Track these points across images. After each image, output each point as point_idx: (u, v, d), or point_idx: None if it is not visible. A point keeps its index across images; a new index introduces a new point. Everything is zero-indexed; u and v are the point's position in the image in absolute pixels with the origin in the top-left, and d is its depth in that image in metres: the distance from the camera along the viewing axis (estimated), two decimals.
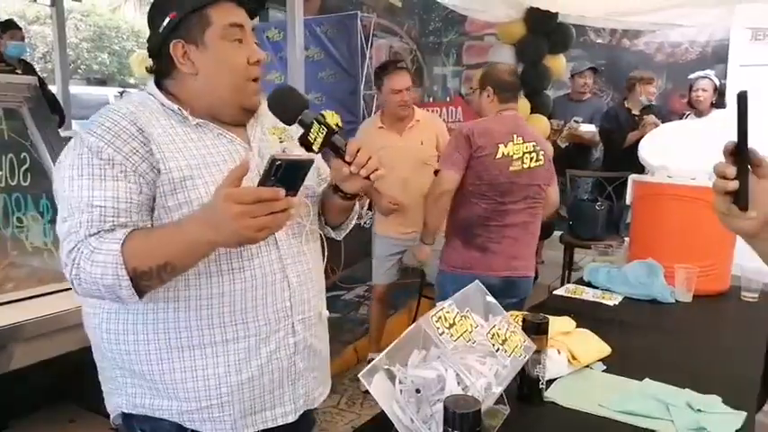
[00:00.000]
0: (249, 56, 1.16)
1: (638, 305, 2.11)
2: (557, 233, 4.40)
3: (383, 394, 1.03)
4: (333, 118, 1.07)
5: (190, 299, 1.13)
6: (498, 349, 1.13)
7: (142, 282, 1.00)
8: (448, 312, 1.10)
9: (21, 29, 4.92)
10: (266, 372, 1.19)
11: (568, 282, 3.09)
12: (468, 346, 1.09)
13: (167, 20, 1.14)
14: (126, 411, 1.20)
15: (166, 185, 1.09)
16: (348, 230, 1.45)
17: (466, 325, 1.11)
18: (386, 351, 1.04)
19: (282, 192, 0.93)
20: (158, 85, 1.20)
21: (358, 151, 1.12)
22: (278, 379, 1.21)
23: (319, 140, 1.12)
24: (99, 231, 1.02)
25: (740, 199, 0.89)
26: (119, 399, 1.21)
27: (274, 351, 1.20)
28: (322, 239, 1.37)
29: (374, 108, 4.90)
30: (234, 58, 1.15)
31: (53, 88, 5.92)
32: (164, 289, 1.10)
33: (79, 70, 15.53)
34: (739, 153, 0.88)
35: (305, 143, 1.13)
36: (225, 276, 1.13)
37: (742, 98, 0.85)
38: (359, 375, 1.03)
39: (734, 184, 0.89)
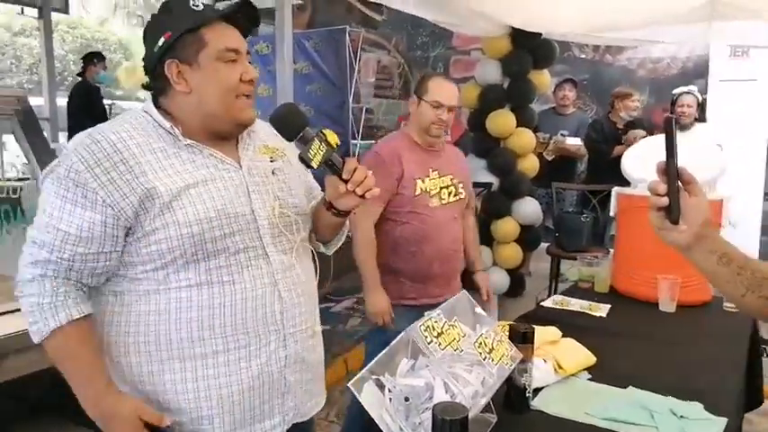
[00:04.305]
0: (243, 74, 1.19)
1: (624, 316, 2.14)
2: (543, 245, 4.45)
3: (373, 403, 1.05)
4: (332, 137, 1.09)
5: (180, 310, 1.14)
6: (485, 358, 1.15)
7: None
8: (436, 322, 1.12)
9: (105, 58, 5.96)
10: (256, 385, 1.20)
11: (555, 293, 3.13)
12: (455, 355, 1.11)
13: (162, 39, 1.16)
14: None
15: (153, 209, 1.11)
16: (339, 245, 1.46)
17: (453, 334, 1.13)
18: (374, 360, 1.06)
19: None
20: (155, 101, 1.22)
21: (355, 170, 1.15)
22: (268, 392, 1.22)
23: (318, 157, 1.15)
24: (68, 265, 1.11)
25: (671, 213, 0.97)
26: None
27: (265, 363, 1.20)
28: (313, 255, 1.39)
29: (362, 121, 4.95)
30: (227, 77, 1.18)
31: (39, 100, 5.90)
32: (154, 301, 1.14)
33: (66, 82, 15.47)
34: (668, 171, 0.96)
35: (304, 160, 1.15)
36: (215, 288, 1.15)
37: (668, 122, 0.95)
38: (348, 384, 1.04)
39: (664, 200, 0.97)
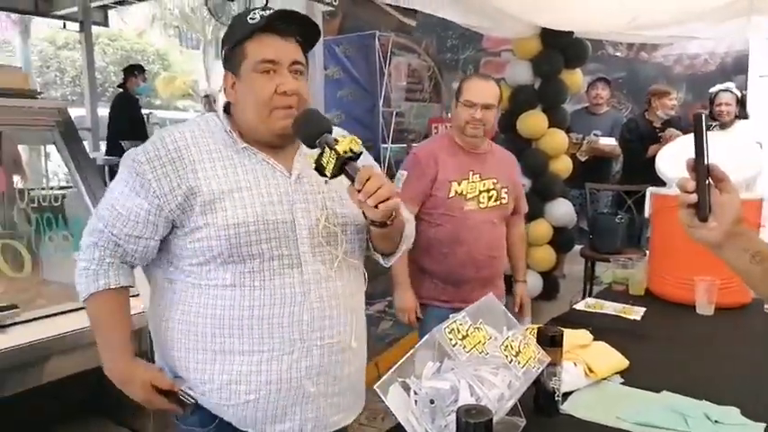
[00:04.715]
0: (278, 85, 1.20)
1: (660, 319, 2.09)
2: (578, 247, 4.39)
3: (399, 405, 1.06)
4: (348, 144, 1.04)
5: (215, 307, 1.22)
6: (512, 361, 1.15)
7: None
8: (461, 324, 1.12)
9: (145, 70, 6.29)
10: (273, 389, 1.23)
11: (590, 296, 3.08)
12: (481, 358, 1.11)
13: (222, 53, 1.28)
14: None
15: (195, 206, 1.19)
16: (398, 257, 1.42)
17: (479, 337, 1.13)
18: (400, 363, 1.07)
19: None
20: (228, 108, 1.31)
21: (369, 179, 1.11)
22: (284, 398, 1.24)
23: (330, 166, 1.12)
24: (115, 240, 1.23)
25: (700, 211, 0.96)
26: None
27: (285, 370, 1.22)
28: (364, 271, 1.38)
29: (393, 125, 4.96)
30: (261, 90, 1.20)
31: (81, 110, 6.11)
32: (197, 294, 1.24)
33: (107, 93, 15.99)
34: (697, 168, 0.95)
35: (318, 168, 1.13)
36: (246, 290, 1.20)
37: (698, 119, 0.94)
38: (375, 387, 1.06)
39: (692, 197, 0.96)
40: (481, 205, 2.27)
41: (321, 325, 1.24)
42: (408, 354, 1.09)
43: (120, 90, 5.99)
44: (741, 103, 4.29)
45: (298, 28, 1.25)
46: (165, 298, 1.29)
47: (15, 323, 1.81)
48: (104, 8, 6.08)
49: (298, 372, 1.23)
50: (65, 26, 5.90)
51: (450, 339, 1.08)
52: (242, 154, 1.24)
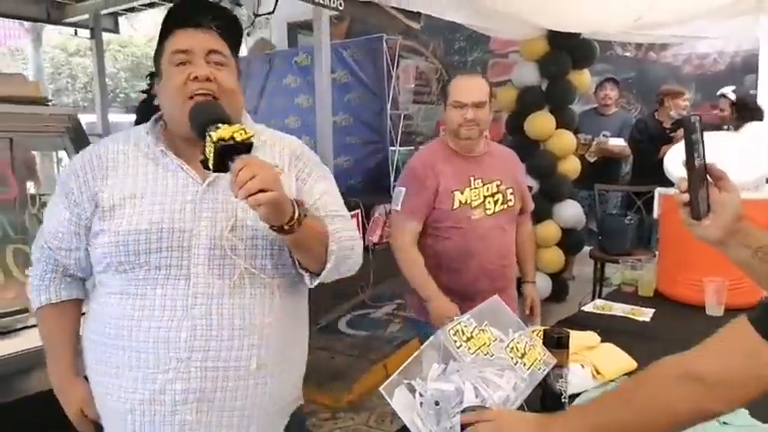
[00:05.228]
0: (190, 73, 1.14)
1: (669, 320, 2.08)
2: (586, 248, 4.37)
3: (404, 407, 1.06)
4: (228, 131, 1.00)
5: (105, 315, 1.17)
6: (517, 363, 1.15)
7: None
8: (466, 326, 1.13)
9: None
10: (147, 410, 1.12)
11: (599, 297, 3.06)
12: (486, 360, 1.12)
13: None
14: None
15: (98, 213, 1.17)
16: (325, 275, 1.18)
17: (484, 338, 1.14)
18: (405, 365, 1.07)
19: None
20: None
21: (243, 169, 0.98)
22: (160, 423, 1.12)
23: (211, 157, 1.01)
24: (54, 254, 1.25)
25: (693, 209, 0.98)
26: None
27: (158, 391, 1.11)
28: (274, 287, 1.21)
29: (400, 128, 4.98)
30: (173, 79, 1.15)
31: (92, 116, 6.17)
32: (96, 302, 1.22)
33: (118, 99, 16.12)
34: (688, 168, 0.97)
35: (204, 161, 1.03)
36: (130, 300, 1.14)
37: (687, 121, 0.96)
38: (380, 389, 1.06)
39: (685, 197, 0.98)
40: (488, 211, 2.15)
41: (205, 346, 1.11)
42: (413, 356, 1.09)
43: (145, 95, 6.00)
44: (739, 106, 4.29)
45: (216, 21, 1.19)
46: (87, 308, 1.27)
47: (26, 327, 1.83)
48: (115, 15, 6.13)
49: (172, 395, 1.11)
50: (76, 33, 5.96)
51: (455, 341, 1.08)
52: (157, 160, 1.19)
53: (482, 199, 2.14)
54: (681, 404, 0.79)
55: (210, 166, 1.01)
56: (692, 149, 0.95)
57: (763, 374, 0.74)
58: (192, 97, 1.12)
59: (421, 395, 1.07)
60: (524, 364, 1.16)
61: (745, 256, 0.99)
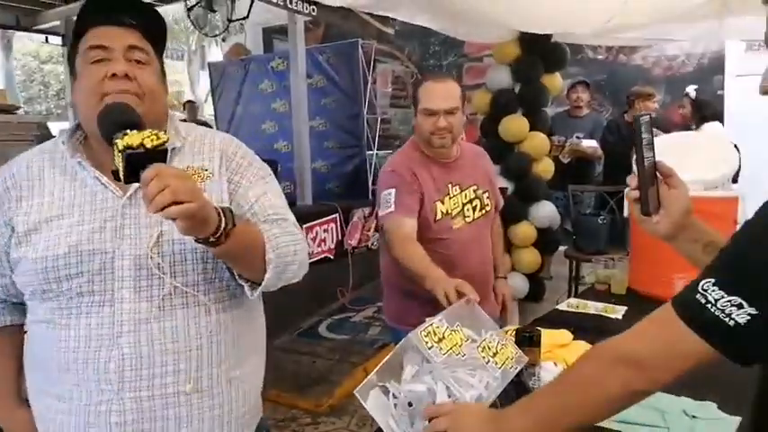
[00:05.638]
0: (107, 71, 1.04)
1: (641, 317, 2.10)
2: (562, 248, 4.43)
3: (379, 409, 1.07)
4: (137, 138, 0.89)
5: (33, 344, 1.12)
6: (488, 362, 1.17)
7: None
8: (438, 327, 1.14)
9: None
10: None
11: (575, 296, 3.11)
12: (458, 360, 1.13)
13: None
14: None
15: (14, 239, 1.08)
16: (265, 285, 1.09)
17: (456, 339, 1.15)
18: (378, 367, 1.08)
19: None
20: None
21: (153, 180, 0.88)
22: None
23: (121, 166, 0.90)
24: None
25: (642, 206, 1.01)
26: None
27: (93, 423, 1.05)
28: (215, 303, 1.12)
29: (378, 132, 5.00)
30: (89, 77, 1.05)
31: (66, 124, 6.08)
32: (30, 331, 1.14)
33: None
34: (637, 165, 0.99)
35: (114, 171, 0.93)
36: (56, 330, 1.06)
37: (636, 120, 0.99)
38: (355, 392, 1.06)
39: (635, 193, 1.01)
40: (467, 219, 2.08)
41: (137, 374, 1.04)
42: (386, 359, 1.10)
43: None
44: (698, 105, 4.42)
45: (138, 19, 1.10)
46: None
47: None
48: None
49: (107, 427, 1.04)
50: (47, 40, 5.87)
51: (427, 342, 1.09)
52: (74, 175, 1.09)
53: (461, 207, 2.07)
54: (613, 387, 0.82)
55: (121, 176, 0.91)
56: (642, 147, 0.98)
57: (685, 355, 0.78)
58: (107, 97, 1.03)
59: (395, 397, 1.08)
60: (496, 363, 1.18)
61: (695, 250, 1.03)
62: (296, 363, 3.59)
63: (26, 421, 1.17)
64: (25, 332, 1.19)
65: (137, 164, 0.88)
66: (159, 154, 0.90)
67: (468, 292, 1.48)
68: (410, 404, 1.07)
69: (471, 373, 1.12)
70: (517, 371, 1.25)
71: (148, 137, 0.89)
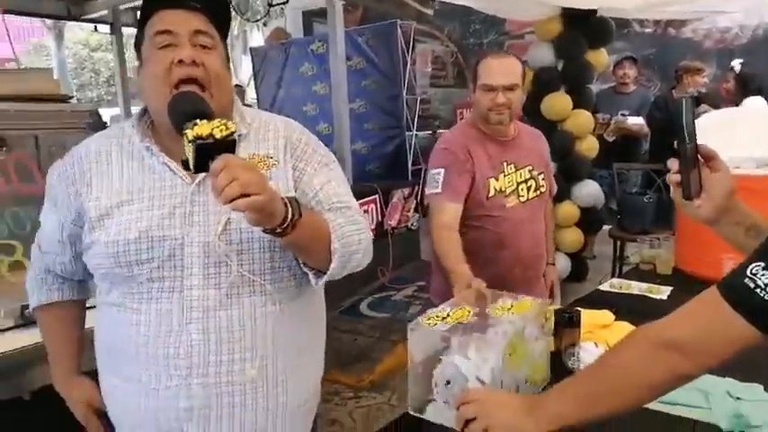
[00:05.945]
0: (174, 57, 1.04)
1: (687, 298, 2.05)
2: (606, 227, 4.35)
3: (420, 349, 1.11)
4: (207, 128, 0.89)
5: (106, 326, 1.15)
6: (505, 315, 1.19)
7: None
8: (439, 313, 1.18)
9: None
10: (152, 426, 1.09)
11: (620, 276, 3.05)
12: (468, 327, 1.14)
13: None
14: None
15: (86, 223, 1.10)
16: (330, 274, 1.09)
17: (462, 312, 1.17)
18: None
19: None
20: None
21: (222, 171, 0.88)
22: None
23: (190, 156, 0.91)
24: (44, 256, 1.22)
25: (684, 189, 0.98)
26: None
27: (162, 408, 1.07)
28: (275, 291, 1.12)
29: (417, 112, 4.98)
30: (157, 63, 1.05)
31: (115, 110, 6.28)
32: (100, 312, 1.17)
33: None
34: (679, 149, 0.97)
35: (183, 161, 0.94)
36: (127, 313, 1.08)
37: (677, 102, 0.97)
38: (409, 326, 1.12)
39: (676, 177, 0.99)
40: (521, 198, 2.05)
41: (203, 361, 1.05)
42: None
43: None
44: (740, 79, 4.20)
45: (203, 1, 1.09)
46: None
47: None
48: (134, 10, 6.20)
49: (176, 411, 1.07)
50: (96, 29, 6.04)
51: (430, 322, 1.12)
52: (143, 159, 1.10)
53: (515, 186, 2.05)
54: (657, 371, 0.82)
55: (191, 166, 0.91)
56: (683, 130, 0.96)
57: (732, 340, 0.77)
58: (177, 86, 1.03)
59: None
60: (513, 313, 1.19)
61: (737, 234, 1.00)
62: (338, 340, 3.66)
63: (88, 391, 1.24)
64: (90, 307, 1.26)
65: (206, 154, 0.89)
66: (228, 144, 0.90)
67: (484, 294, 1.47)
68: (448, 382, 1.09)
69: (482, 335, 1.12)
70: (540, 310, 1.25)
71: (218, 127, 0.89)
